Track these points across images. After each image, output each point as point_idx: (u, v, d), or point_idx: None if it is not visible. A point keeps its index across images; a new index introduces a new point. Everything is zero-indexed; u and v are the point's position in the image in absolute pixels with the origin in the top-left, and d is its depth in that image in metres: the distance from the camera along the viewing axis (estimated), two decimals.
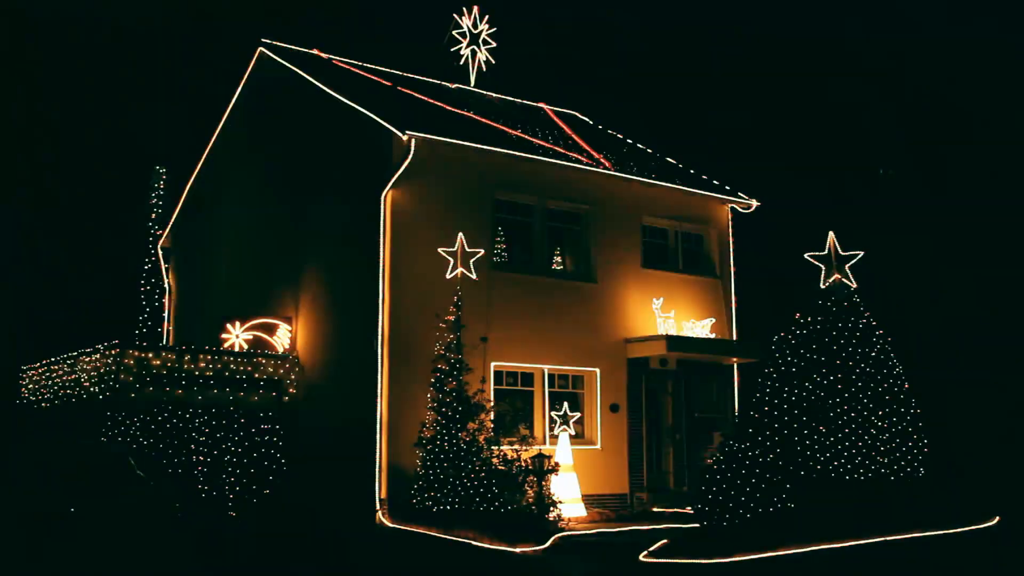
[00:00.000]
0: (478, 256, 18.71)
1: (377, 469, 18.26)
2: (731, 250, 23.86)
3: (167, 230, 26.79)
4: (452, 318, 18.10)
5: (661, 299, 21.89)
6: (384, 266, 18.86)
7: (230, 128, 25.06)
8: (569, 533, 16.60)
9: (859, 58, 41.30)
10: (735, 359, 22.68)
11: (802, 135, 37.96)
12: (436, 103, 23.40)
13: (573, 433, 19.76)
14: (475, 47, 26.15)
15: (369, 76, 24.68)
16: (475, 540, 15.53)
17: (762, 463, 15.77)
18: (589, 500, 19.66)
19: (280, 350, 21.02)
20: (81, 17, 41.48)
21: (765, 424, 16.31)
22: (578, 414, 20.39)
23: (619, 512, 20.09)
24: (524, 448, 18.15)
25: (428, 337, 18.37)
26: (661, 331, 21.49)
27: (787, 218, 30.61)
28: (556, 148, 22.17)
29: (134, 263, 26.13)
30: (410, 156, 18.71)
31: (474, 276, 18.61)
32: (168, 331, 26.29)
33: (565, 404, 19.72)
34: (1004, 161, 34.18)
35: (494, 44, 26.35)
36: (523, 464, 17.69)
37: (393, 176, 18.83)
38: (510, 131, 22.48)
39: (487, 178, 20.32)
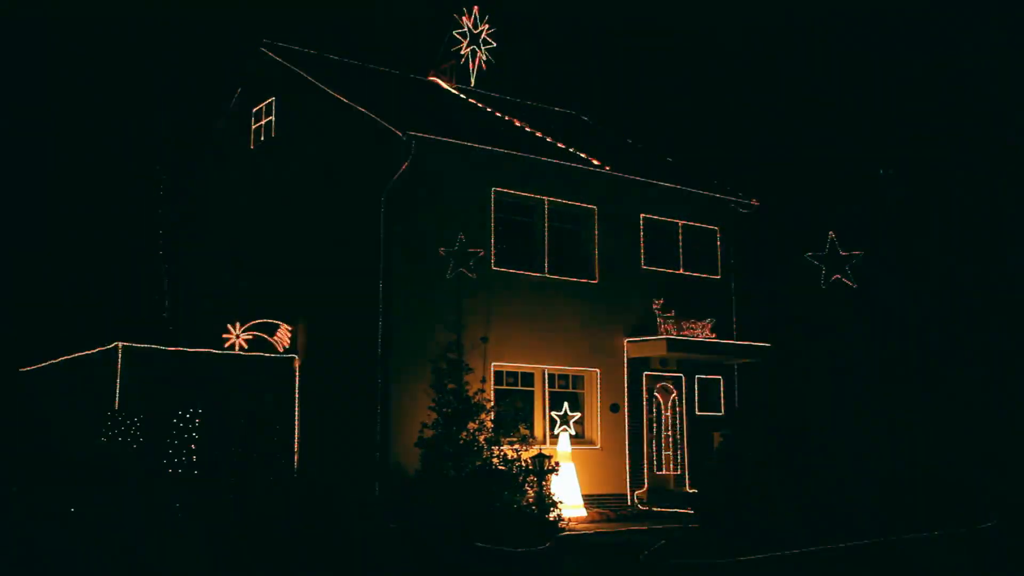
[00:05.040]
0: (478, 256, 18.71)
1: (377, 469, 18.25)
2: (731, 250, 23.87)
3: (167, 230, 26.79)
4: (452, 318, 18.10)
5: (661, 299, 21.88)
6: (384, 266, 18.86)
7: (230, 128, 25.06)
8: (569, 533, 16.60)
9: (858, 57, 41.29)
10: (735, 359, 22.67)
11: (802, 135, 37.94)
12: (436, 103, 23.40)
13: (573, 433, 19.75)
14: (475, 47, 26.14)
15: (369, 76, 24.67)
16: (475, 540, 15.51)
17: (762, 463, 15.78)
18: (589, 500, 19.65)
19: (280, 350, 21.01)
20: (81, 16, 41.46)
21: (765, 424, 16.32)
22: (578, 414, 20.39)
23: (619, 512, 20.08)
24: (524, 448, 18.14)
25: (428, 337, 18.37)
26: (661, 331, 21.47)
27: (787, 218, 30.60)
28: (556, 147, 22.17)
29: (134, 263, 26.13)
30: (410, 156, 18.70)
31: (474, 276, 18.61)
32: (168, 331, 26.28)
33: (565, 404, 19.71)
34: (1004, 158, 34.17)
35: (494, 44, 26.35)
36: (523, 464, 17.67)
37: (393, 176, 18.83)
38: (510, 131, 22.48)
39: (487, 178, 20.31)
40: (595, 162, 22.06)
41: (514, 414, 19.00)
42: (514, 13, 28.55)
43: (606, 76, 44.69)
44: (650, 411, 21.80)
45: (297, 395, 20.77)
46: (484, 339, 19.14)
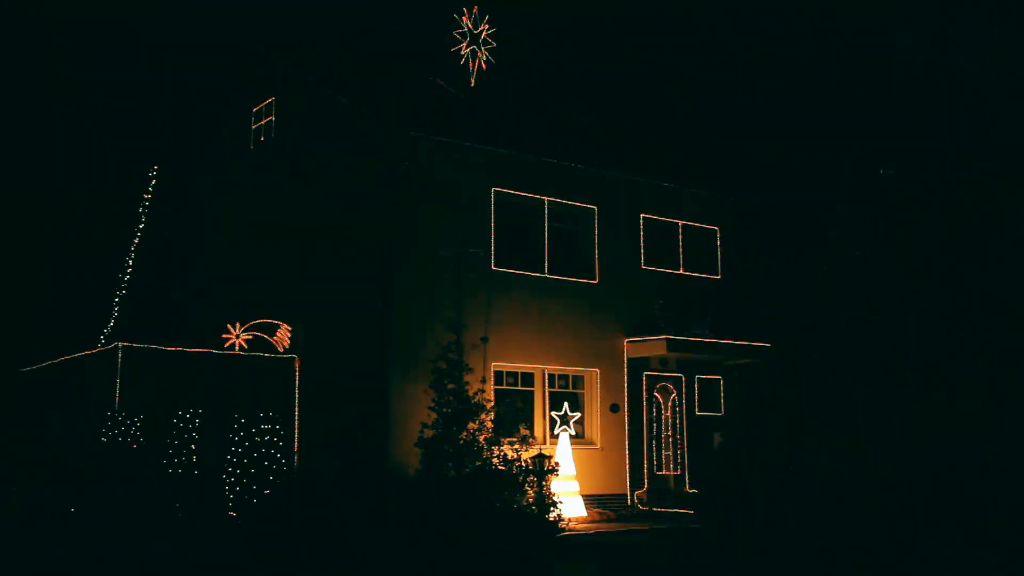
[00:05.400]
0: (478, 256, 18.72)
1: (377, 469, 18.26)
2: (731, 250, 23.86)
3: (167, 230, 26.77)
4: (452, 318, 18.10)
5: (661, 299, 21.89)
6: (384, 266, 18.86)
7: (230, 128, 25.06)
8: (569, 533, 16.60)
9: (859, 57, 41.28)
10: (735, 359, 22.67)
11: (802, 135, 37.94)
12: (436, 103, 23.41)
13: (573, 433, 19.75)
14: (475, 47, 26.13)
15: (369, 76, 24.67)
16: (475, 540, 15.50)
17: (762, 463, 15.78)
18: (589, 500, 19.65)
19: (280, 350, 21.01)
20: (81, 17, 41.48)
21: (765, 424, 16.32)
22: (578, 414, 20.38)
23: (619, 512, 20.09)
24: (524, 448, 18.15)
25: (428, 337, 18.38)
26: (661, 331, 21.47)
27: (787, 218, 30.59)
28: (556, 147, 22.17)
29: (134, 263, 26.10)
30: (410, 156, 18.70)
31: (474, 276, 18.61)
32: (168, 331, 26.25)
33: (565, 404, 19.71)
34: (1004, 156, 34.15)
35: (494, 44, 26.33)
36: (523, 464, 17.68)
37: (394, 176, 18.82)
38: (510, 131, 22.48)
39: (487, 178, 20.31)
40: (595, 161, 22.06)
41: (514, 414, 19.02)
42: (514, 13, 28.55)
43: (607, 76, 44.68)
44: (650, 411, 21.79)
45: (297, 395, 20.76)
46: (484, 339, 19.15)
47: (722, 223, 23.78)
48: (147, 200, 26.47)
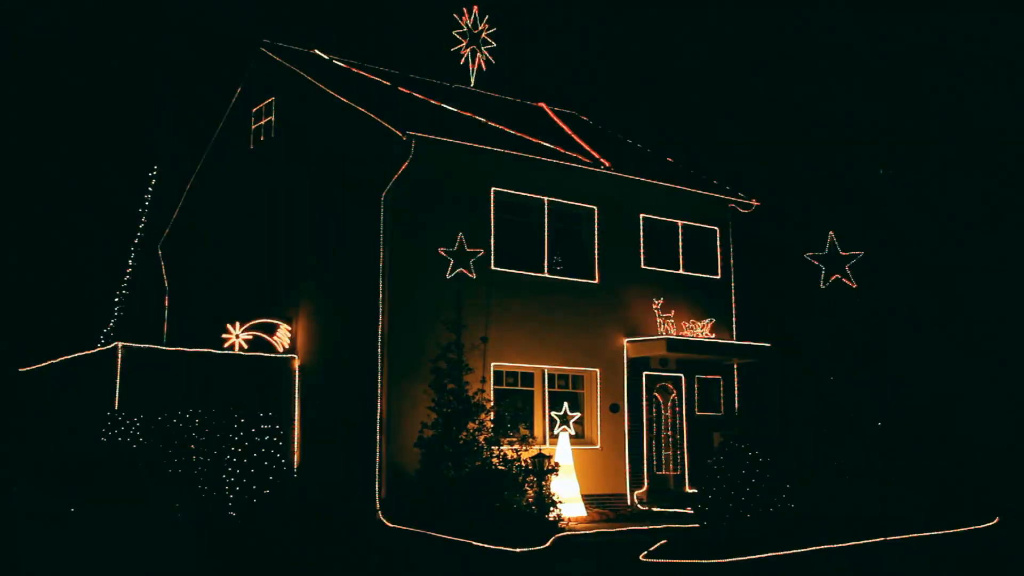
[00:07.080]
0: (478, 256, 18.71)
1: (377, 469, 18.27)
2: (731, 250, 23.87)
3: (167, 230, 26.79)
4: (452, 318, 18.10)
5: (661, 299, 21.90)
6: (384, 266, 18.86)
7: (230, 128, 25.06)
8: (569, 533, 16.60)
9: (858, 56, 41.28)
10: (735, 359, 22.68)
11: (802, 135, 37.93)
12: (436, 103, 23.41)
13: (573, 433, 19.75)
14: (475, 47, 26.13)
15: (370, 76, 24.68)
16: (475, 540, 15.52)
17: (762, 463, 15.79)
18: (589, 500, 19.66)
19: (280, 350, 21.02)
20: (80, 16, 41.48)
21: (765, 424, 16.34)
22: (578, 414, 20.38)
23: (619, 512, 20.09)
24: (524, 448, 18.16)
25: (428, 337, 18.38)
26: (661, 331, 21.49)
27: (787, 218, 30.61)
28: (556, 148, 22.17)
29: (134, 263, 26.11)
30: (410, 156, 18.70)
31: (474, 276, 18.61)
32: (168, 331, 26.27)
33: (565, 404, 19.72)
34: (1004, 155, 34.18)
35: (494, 44, 26.34)
36: (523, 464, 17.69)
37: (393, 176, 18.83)
38: (510, 131, 22.48)
39: (487, 178, 20.32)
40: (596, 161, 22.06)
41: (514, 414, 19.00)
42: (514, 13, 28.56)
43: (606, 76, 44.68)
44: (650, 411, 21.80)
45: (297, 395, 20.77)
46: (484, 339, 19.16)
47: (722, 223, 23.78)
48: (147, 200, 26.46)
